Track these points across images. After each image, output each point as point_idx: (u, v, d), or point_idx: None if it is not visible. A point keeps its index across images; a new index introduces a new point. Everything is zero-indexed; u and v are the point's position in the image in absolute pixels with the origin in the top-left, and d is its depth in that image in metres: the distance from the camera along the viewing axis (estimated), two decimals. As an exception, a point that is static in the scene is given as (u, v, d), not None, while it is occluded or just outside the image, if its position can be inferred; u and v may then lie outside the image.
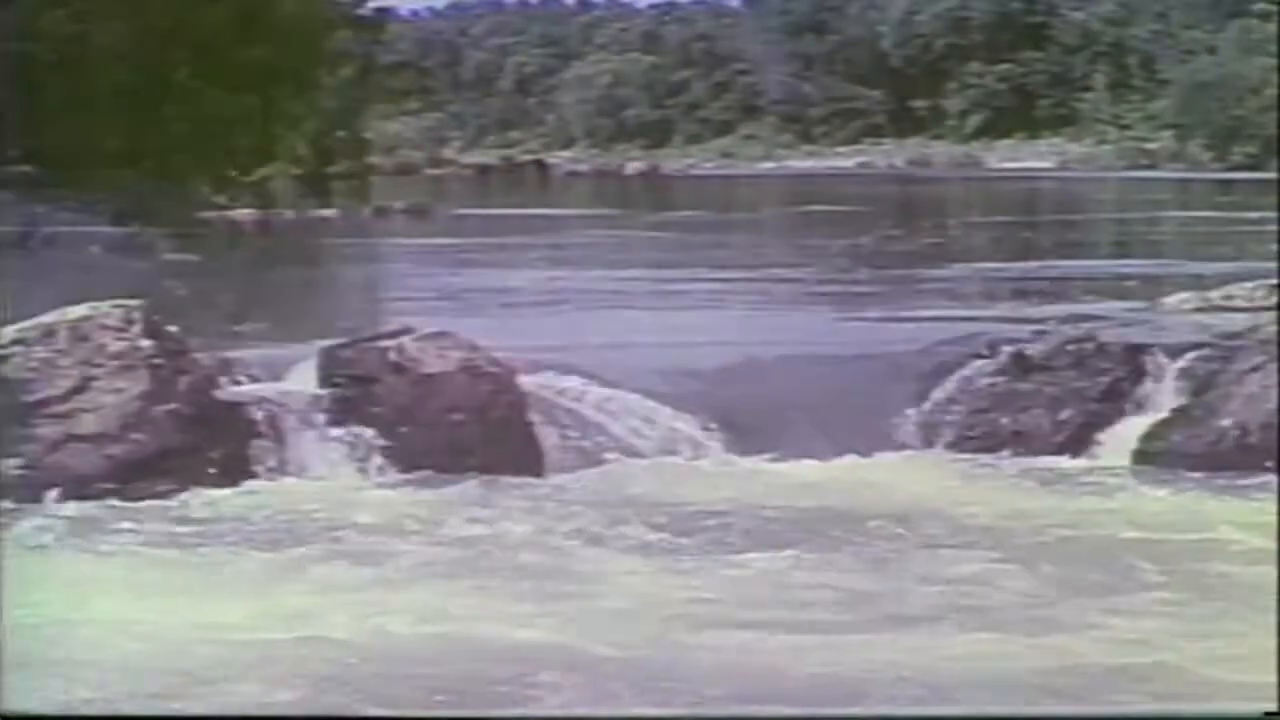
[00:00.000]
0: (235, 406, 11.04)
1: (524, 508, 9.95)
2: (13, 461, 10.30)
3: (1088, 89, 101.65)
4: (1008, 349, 12.14)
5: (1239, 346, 11.91)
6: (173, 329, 11.08)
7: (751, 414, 11.63)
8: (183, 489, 10.29)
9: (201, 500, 10.12)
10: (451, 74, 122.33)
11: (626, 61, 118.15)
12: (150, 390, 10.70)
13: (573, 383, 11.60)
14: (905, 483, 10.62)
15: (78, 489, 10.15)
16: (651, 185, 72.75)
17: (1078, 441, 11.59)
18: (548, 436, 11.28)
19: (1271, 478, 10.52)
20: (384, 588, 8.22)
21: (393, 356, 11.32)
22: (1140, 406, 11.81)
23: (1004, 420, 11.71)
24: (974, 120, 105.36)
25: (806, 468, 11.04)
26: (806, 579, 8.45)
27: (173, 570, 8.57)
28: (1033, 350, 12.06)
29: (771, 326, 15.73)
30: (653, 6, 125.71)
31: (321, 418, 11.06)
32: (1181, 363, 11.96)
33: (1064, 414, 11.71)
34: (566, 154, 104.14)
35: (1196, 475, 10.82)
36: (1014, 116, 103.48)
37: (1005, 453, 11.48)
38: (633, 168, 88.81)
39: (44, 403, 10.59)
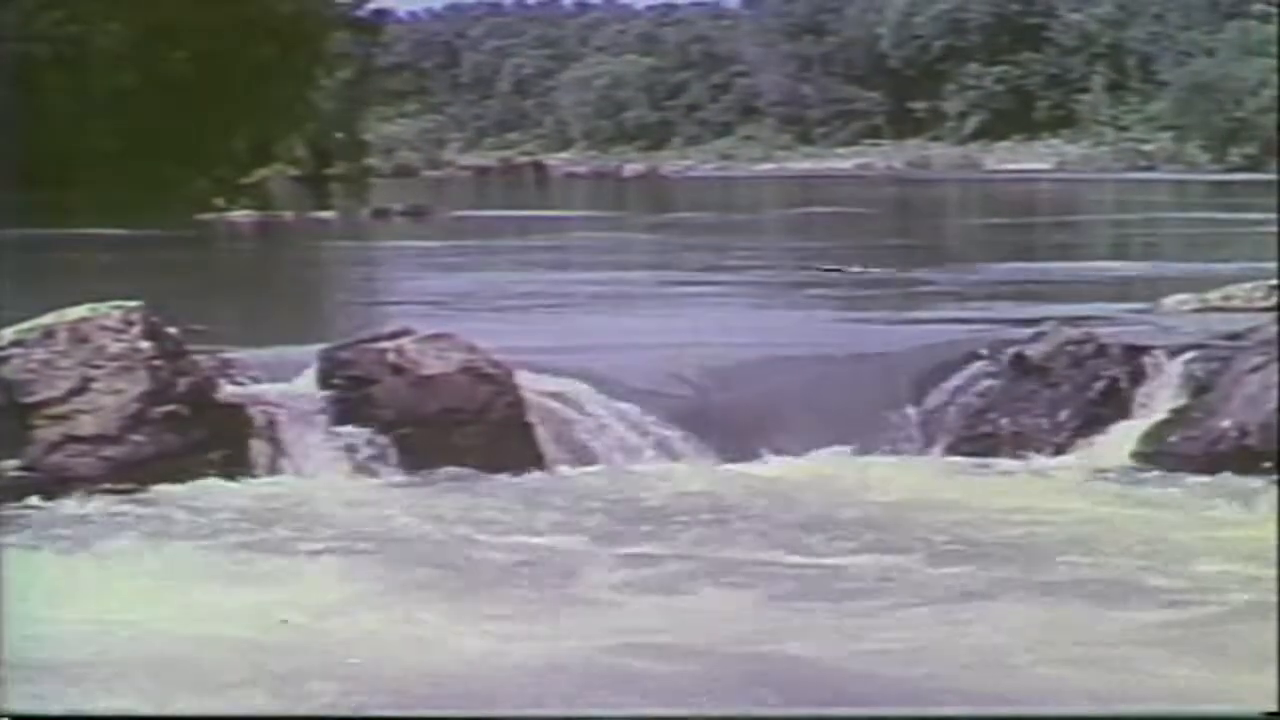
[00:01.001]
0: (234, 408, 11.04)
1: (525, 508, 9.96)
2: (11, 462, 10.31)
3: (1085, 90, 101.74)
4: (1007, 350, 12.14)
5: (1238, 347, 11.91)
6: (172, 330, 11.08)
7: (748, 415, 11.63)
8: (182, 490, 10.29)
9: (200, 501, 10.11)
10: (450, 76, 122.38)
11: (625, 63, 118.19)
12: (149, 391, 10.70)
13: (570, 384, 11.61)
14: (908, 483, 10.62)
15: (77, 490, 10.16)
16: (650, 187, 72.74)
17: (1076, 442, 11.59)
18: (547, 438, 11.28)
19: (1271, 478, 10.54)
20: (383, 588, 8.21)
21: (392, 358, 11.32)
22: (1139, 407, 11.81)
23: (1003, 421, 11.71)
24: (972, 122, 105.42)
25: (803, 469, 11.04)
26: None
27: (173, 571, 8.56)
28: (1032, 351, 12.06)
29: (770, 328, 15.73)
30: (651, 8, 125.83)
31: (321, 419, 11.07)
32: (1180, 363, 11.96)
33: (1063, 415, 11.71)
34: (565, 156, 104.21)
35: (1195, 476, 10.82)
36: (1012, 118, 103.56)
37: (1004, 453, 11.49)
38: (631, 169, 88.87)
39: (43, 404, 10.60)
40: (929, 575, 8.46)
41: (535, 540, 9.22)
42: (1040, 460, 11.42)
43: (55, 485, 10.21)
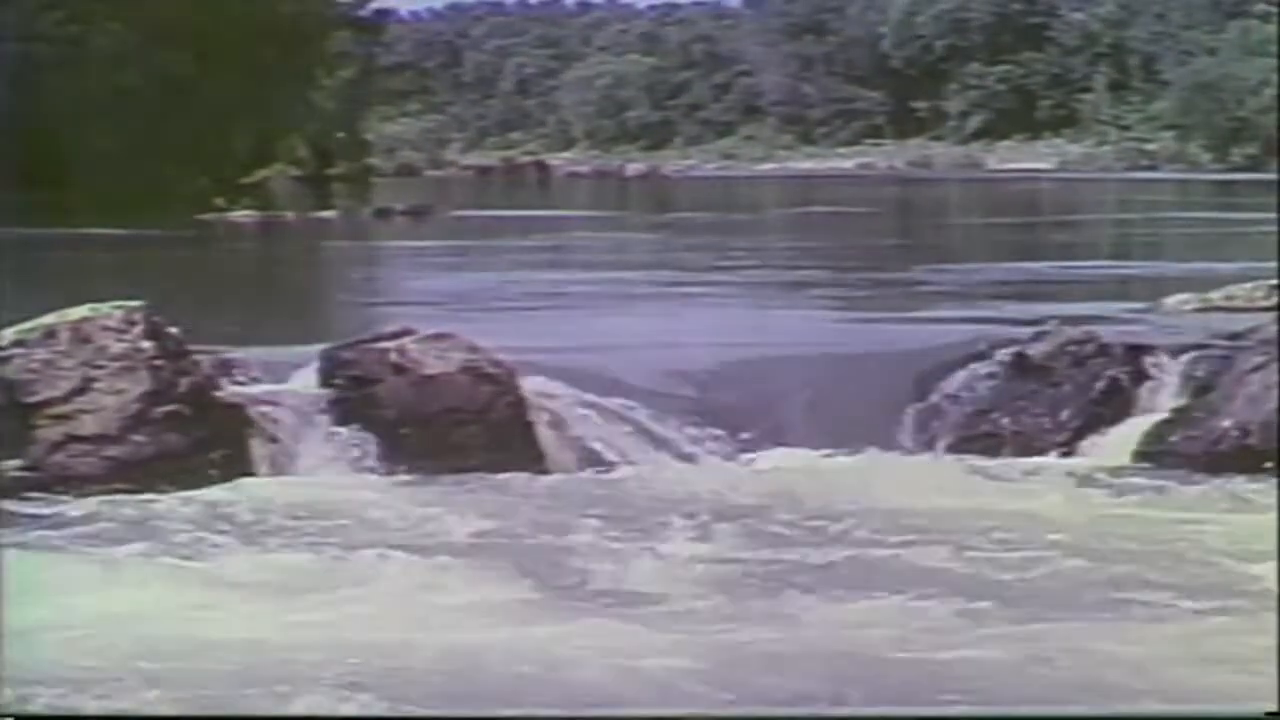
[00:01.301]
0: (236, 407, 11.04)
1: (527, 509, 9.96)
2: (13, 462, 10.31)
3: (1088, 90, 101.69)
4: (1008, 350, 12.14)
5: (1239, 347, 11.91)
6: (173, 330, 11.09)
7: (749, 415, 11.63)
8: (183, 490, 10.29)
9: (201, 501, 10.11)
10: (452, 75, 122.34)
11: (627, 63, 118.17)
12: (151, 391, 10.71)
13: (569, 385, 11.60)
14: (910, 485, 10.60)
15: (78, 490, 10.15)
16: (652, 186, 72.74)
17: (1078, 442, 11.59)
18: (548, 438, 11.27)
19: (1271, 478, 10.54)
20: (382, 588, 8.21)
21: (394, 358, 11.33)
22: (1140, 407, 11.81)
23: (1004, 421, 11.71)
24: (974, 121, 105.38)
25: (805, 469, 11.04)
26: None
27: (173, 571, 8.56)
28: (1033, 351, 12.06)
29: (771, 327, 15.72)
30: (653, 8, 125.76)
31: (322, 418, 11.07)
32: (1182, 363, 11.96)
33: (1064, 414, 11.71)
34: (567, 155, 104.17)
35: (1196, 476, 10.81)
36: (1014, 117, 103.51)
37: (1006, 453, 11.48)
38: (633, 169, 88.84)
39: (45, 404, 10.60)
40: (1029, 578, 8.35)
41: (580, 539, 9.18)
42: (1046, 460, 11.41)
43: (57, 485, 10.22)
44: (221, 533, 9.32)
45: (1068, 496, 10.33)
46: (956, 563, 8.62)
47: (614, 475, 10.96)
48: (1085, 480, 10.76)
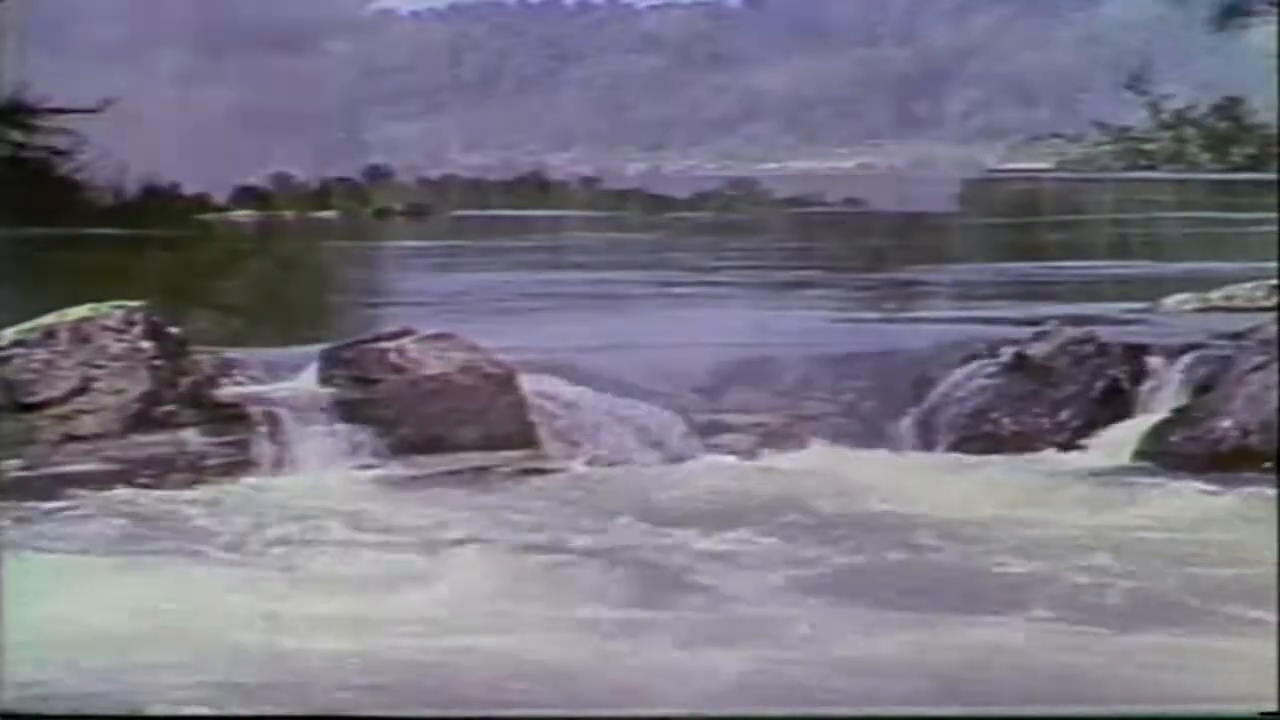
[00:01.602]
0: (235, 407, 11.05)
1: (527, 509, 9.96)
2: (13, 462, 10.31)
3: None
4: (1008, 349, 12.15)
5: (1239, 347, 11.91)
6: (173, 329, 11.10)
7: (749, 415, 11.62)
8: (183, 490, 10.29)
9: (202, 501, 10.11)
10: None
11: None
12: (151, 391, 10.72)
13: (569, 385, 11.61)
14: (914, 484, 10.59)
15: (78, 490, 10.15)
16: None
17: (1078, 442, 11.59)
18: (549, 438, 11.28)
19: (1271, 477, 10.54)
20: (384, 589, 8.21)
21: (393, 357, 11.34)
22: (1140, 407, 11.81)
23: (1004, 421, 11.72)
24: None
25: (805, 470, 11.03)
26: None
27: (173, 571, 8.55)
28: (1033, 351, 12.06)
29: (770, 327, 15.70)
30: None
31: (322, 418, 11.08)
32: (1182, 363, 11.96)
33: (1064, 414, 11.71)
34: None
35: (1196, 475, 10.80)
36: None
37: (1005, 453, 11.48)
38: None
39: (44, 404, 10.60)
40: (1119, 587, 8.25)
41: (583, 543, 9.16)
42: (1046, 460, 11.41)
43: (56, 485, 10.22)
44: (222, 532, 9.32)
45: (1091, 500, 10.29)
46: (1020, 568, 8.58)
47: (616, 475, 10.95)
48: (1100, 481, 10.75)
